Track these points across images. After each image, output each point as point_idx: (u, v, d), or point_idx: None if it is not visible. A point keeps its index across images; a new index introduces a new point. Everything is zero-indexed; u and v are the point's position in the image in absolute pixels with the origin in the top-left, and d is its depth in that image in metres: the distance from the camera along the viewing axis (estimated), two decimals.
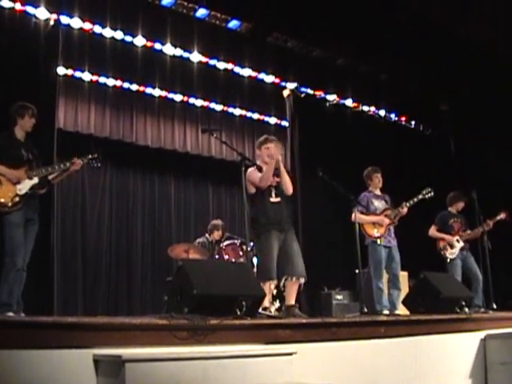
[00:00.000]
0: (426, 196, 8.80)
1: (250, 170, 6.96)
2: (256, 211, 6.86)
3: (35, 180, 6.59)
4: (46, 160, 7.29)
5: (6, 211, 6.37)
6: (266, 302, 6.49)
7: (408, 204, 8.65)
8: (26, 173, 6.55)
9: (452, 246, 9.44)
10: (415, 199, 8.73)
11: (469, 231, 9.50)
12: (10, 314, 6.04)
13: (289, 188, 6.98)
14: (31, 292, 7.82)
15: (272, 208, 6.83)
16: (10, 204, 6.38)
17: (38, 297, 8.18)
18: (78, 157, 6.98)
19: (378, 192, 8.87)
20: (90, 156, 7.12)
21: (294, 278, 6.69)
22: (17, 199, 6.43)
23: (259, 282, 6.32)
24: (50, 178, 6.82)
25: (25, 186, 6.50)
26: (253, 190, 6.90)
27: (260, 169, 6.79)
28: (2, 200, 6.35)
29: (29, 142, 6.82)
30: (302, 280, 6.74)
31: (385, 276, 8.56)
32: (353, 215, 7.93)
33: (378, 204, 8.74)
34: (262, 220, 6.77)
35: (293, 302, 6.75)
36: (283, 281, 6.70)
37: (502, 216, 9.53)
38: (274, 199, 6.88)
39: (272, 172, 6.87)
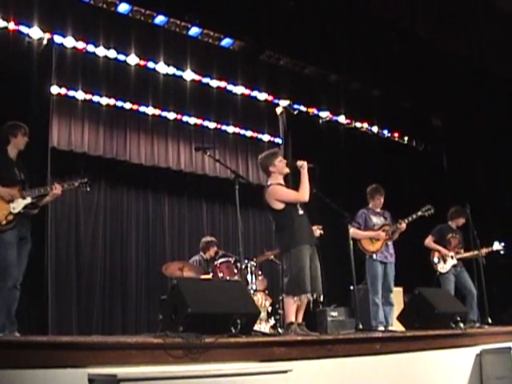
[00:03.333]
0: (426, 213, 8.82)
1: (271, 187, 6.93)
2: (286, 227, 6.79)
3: (28, 200, 6.58)
4: (40, 179, 7.30)
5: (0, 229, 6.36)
6: (293, 317, 6.51)
7: (406, 220, 8.67)
8: (19, 192, 6.53)
9: (445, 261, 9.46)
10: (414, 216, 8.74)
11: (462, 251, 9.53)
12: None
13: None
14: (25, 311, 7.80)
15: (302, 221, 6.83)
16: (3, 222, 6.37)
17: (32, 316, 8.17)
18: (70, 179, 6.99)
19: (377, 209, 8.90)
20: (80, 180, 7.11)
21: (315, 295, 6.67)
22: (10, 217, 6.41)
23: (289, 294, 6.36)
24: (34, 200, 6.74)
25: (18, 205, 6.49)
26: (280, 206, 6.82)
27: (282, 185, 6.91)
28: None
29: (20, 161, 6.81)
30: (321, 297, 6.76)
31: None
32: (351, 231, 7.97)
33: (377, 220, 8.77)
34: (296, 234, 6.71)
35: (300, 319, 6.70)
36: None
37: (497, 248, 9.59)
38: (301, 211, 6.88)
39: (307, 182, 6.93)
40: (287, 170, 7.05)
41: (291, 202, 6.82)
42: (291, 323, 6.51)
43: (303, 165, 6.95)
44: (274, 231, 7.03)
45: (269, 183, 7.01)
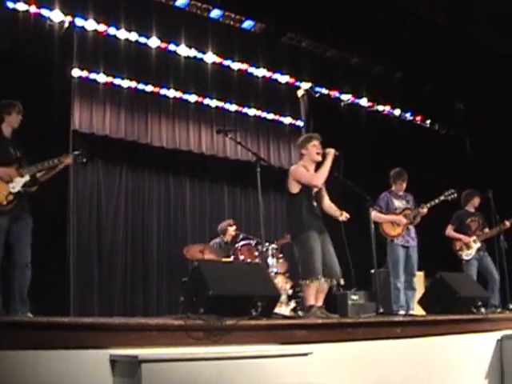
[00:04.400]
0: (449, 198, 8.76)
1: (293, 167, 6.99)
2: (296, 212, 6.81)
3: (26, 177, 6.55)
4: None
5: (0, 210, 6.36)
6: (312, 300, 6.52)
7: (429, 205, 8.63)
8: (16, 171, 6.50)
9: (468, 247, 9.40)
10: (436, 200, 8.70)
11: (486, 230, 9.45)
12: None
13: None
14: (47, 293, 7.88)
15: (313, 211, 6.83)
16: (4, 203, 6.36)
17: (55, 297, 8.22)
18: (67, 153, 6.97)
19: (400, 193, 8.86)
20: (75, 152, 7.09)
21: (333, 280, 6.69)
22: (11, 198, 6.40)
23: (304, 280, 6.39)
24: (38, 175, 6.75)
25: (17, 184, 6.47)
26: (295, 190, 6.83)
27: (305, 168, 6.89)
28: None
29: (15, 139, 6.76)
30: (341, 281, 6.76)
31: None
32: (372, 214, 7.95)
33: (399, 204, 8.74)
34: (304, 221, 6.73)
35: (320, 303, 6.70)
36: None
37: None
38: (315, 203, 6.88)
39: (328, 170, 6.90)
40: (318, 158, 6.97)
41: (305, 184, 6.82)
42: (311, 306, 6.52)
43: (330, 152, 6.92)
44: (286, 216, 7.02)
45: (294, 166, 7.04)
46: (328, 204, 7.08)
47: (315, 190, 6.93)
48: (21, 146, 6.76)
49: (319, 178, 6.86)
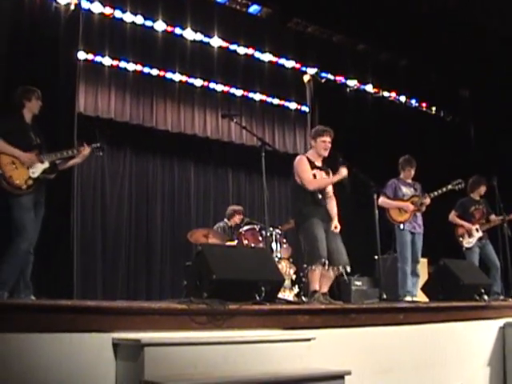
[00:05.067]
0: (456, 187, 8.77)
1: (298, 158, 7.03)
2: (300, 200, 6.87)
3: (46, 164, 6.58)
4: (67, 144, 7.30)
5: (19, 193, 6.37)
6: (317, 286, 6.54)
7: (432, 195, 8.62)
8: (37, 157, 6.53)
9: (470, 235, 9.39)
10: (444, 189, 8.69)
11: (493, 216, 9.42)
12: (5, 293, 6.07)
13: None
14: (51, 276, 7.90)
15: (317, 201, 6.84)
16: (24, 187, 6.38)
17: (58, 281, 8.24)
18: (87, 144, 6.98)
19: (408, 180, 8.86)
20: (93, 145, 7.09)
21: (341, 267, 6.73)
22: (30, 182, 6.42)
23: (308, 266, 6.41)
24: (57, 163, 6.78)
25: (37, 170, 6.49)
26: (300, 180, 6.90)
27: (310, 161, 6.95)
28: (18, 182, 6.35)
29: (35, 125, 6.79)
30: (348, 268, 6.79)
31: None
32: (380, 199, 7.96)
33: (407, 190, 8.75)
34: (309, 208, 6.78)
35: (325, 289, 6.75)
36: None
37: None
38: (319, 196, 6.89)
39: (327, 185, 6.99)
40: (324, 154, 7.03)
41: (302, 183, 6.87)
42: (315, 291, 6.55)
43: (341, 172, 6.93)
44: (290, 205, 7.05)
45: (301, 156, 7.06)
46: (331, 207, 7.08)
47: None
48: (41, 133, 6.77)
49: (314, 186, 6.89)
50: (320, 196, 6.88)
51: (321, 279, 6.64)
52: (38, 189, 6.56)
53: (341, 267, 6.71)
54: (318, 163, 7.03)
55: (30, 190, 6.44)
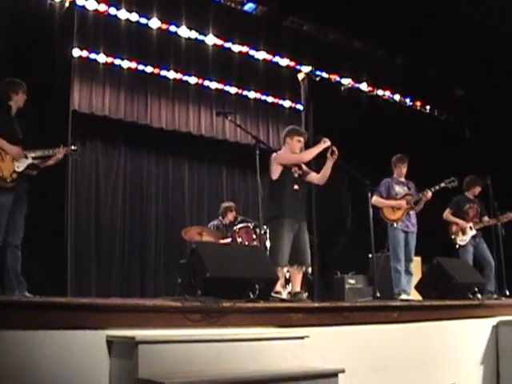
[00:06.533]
0: (449, 185, 8.75)
1: (278, 152, 7.10)
2: (274, 198, 6.90)
3: (30, 160, 6.55)
4: (61, 141, 7.28)
5: (2, 185, 6.33)
6: (278, 287, 6.54)
7: (433, 189, 8.62)
8: (22, 151, 6.50)
9: (464, 233, 9.41)
10: (437, 187, 8.68)
11: (486, 218, 9.45)
12: None
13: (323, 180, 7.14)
14: (45, 273, 7.88)
15: (292, 196, 6.87)
16: (8, 180, 6.35)
17: (52, 278, 8.23)
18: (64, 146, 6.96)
19: (401, 179, 8.87)
20: (72, 147, 7.10)
21: (304, 267, 6.85)
22: (15, 176, 6.40)
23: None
24: (35, 162, 6.70)
25: (22, 164, 6.47)
26: (276, 176, 6.93)
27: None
28: (3, 173, 6.33)
29: (20, 119, 6.74)
30: (309, 269, 7.01)
31: None
32: (373, 198, 7.97)
33: (400, 189, 8.75)
34: (279, 208, 6.81)
35: (298, 288, 6.86)
36: (291, 268, 6.84)
37: None
38: (296, 186, 6.93)
39: (316, 154, 7.04)
40: (298, 152, 7.10)
41: (294, 164, 6.95)
42: (297, 293, 6.70)
43: (326, 141, 7.01)
44: (265, 202, 7.09)
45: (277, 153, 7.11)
46: (312, 177, 7.17)
47: (296, 174, 6.99)
48: (28, 128, 6.74)
49: (306, 155, 7.06)
50: (297, 187, 6.91)
51: (296, 279, 6.86)
52: (20, 185, 6.51)
53: (304, 268, 6.87)
54: None
55: (14, 184, 6.39)
